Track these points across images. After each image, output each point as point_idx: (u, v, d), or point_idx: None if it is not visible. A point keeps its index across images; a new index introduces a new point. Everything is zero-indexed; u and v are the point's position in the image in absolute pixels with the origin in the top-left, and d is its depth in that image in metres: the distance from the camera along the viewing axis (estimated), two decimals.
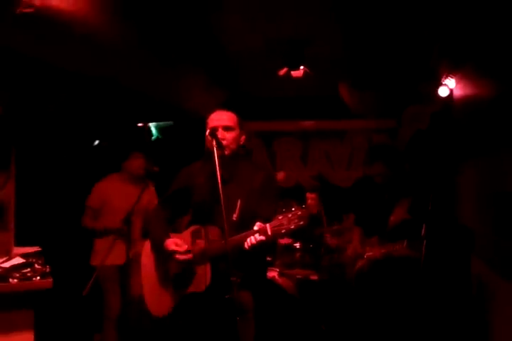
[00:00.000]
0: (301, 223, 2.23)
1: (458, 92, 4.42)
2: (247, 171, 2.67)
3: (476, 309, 3.76)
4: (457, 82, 4.35)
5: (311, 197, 5.27)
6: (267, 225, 2.29)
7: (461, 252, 4.02)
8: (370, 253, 4.02)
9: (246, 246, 2.33)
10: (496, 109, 3.36)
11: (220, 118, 2.64)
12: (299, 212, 2.24)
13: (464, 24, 3.52)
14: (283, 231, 2.25)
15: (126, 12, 3.43)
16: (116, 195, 4.27)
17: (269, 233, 2.27)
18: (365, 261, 4.04)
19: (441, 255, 4.00)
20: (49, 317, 3.40)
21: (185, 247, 2.54)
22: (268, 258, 4.43)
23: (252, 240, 2.30)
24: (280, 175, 5.50)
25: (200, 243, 2.56)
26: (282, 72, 4.61)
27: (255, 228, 2.32)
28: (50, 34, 3.42)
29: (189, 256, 2.54)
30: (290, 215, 2.25)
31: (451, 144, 4.54)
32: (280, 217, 2.27)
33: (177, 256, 2.54)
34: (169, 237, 2.63)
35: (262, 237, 2.29)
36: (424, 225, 3.65)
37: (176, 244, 2.56)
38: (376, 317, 3.91)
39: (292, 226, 2.24)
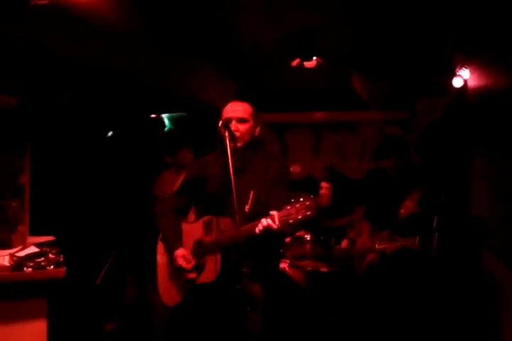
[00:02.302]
0: (309, 213, 2.22)
1: (472, 83, 4.37)
2: (260, 162, 2.66)
3: (487, 302, 3.74)
4: (471, 73, 4.30)
5: (325, 187, 5.24)
6: (275, 214, 2.29)
7: (473, 245, 3.99)
8: (381, 247, 4.02)
9: (257, 230, 2.33)
10: (510, 99, 3.32)
11: (234, 110, 2.63)
12: (307, 202, 2.23)
13: (478, 14, 3.47)
14: (290, 221, 2.25)
15: (140, 3, 3.44)
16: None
17: (277, 222, 2.28)
18: (375, 255, 4.04)
19: (452, 247, 3.98)
20: (62, 306, 3.45)
21: (192, 264, 2.58)
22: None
23: (263, 223, 2.31)
24: (296, 168, 5.49)
25: (212, 233, 2.58)
26: (295, 62, 4.59)
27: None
28: (64, 26, 3.44)
29: (193, 275, 2.58)
30: (298, 205, 2.24)
31: (465, 135, 4.49)
32: (288, 207, 2.27)
33: (183, 273, 2.61)
34: (181, 246, 2.66)
35: (272, 224, 2.29)
36: (435, 218, 3.64)
37: (185, 258, 2.60)
38: (386, 309, 3.92)
39: (300, 216, 2.23)
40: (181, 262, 2.59)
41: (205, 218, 2.65)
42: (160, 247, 2.86)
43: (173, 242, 2.70)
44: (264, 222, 2.30)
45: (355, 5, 3.64)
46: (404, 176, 4.04)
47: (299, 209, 2.24)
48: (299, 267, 4.50)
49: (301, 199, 2.25)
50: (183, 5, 3.59)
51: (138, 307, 4.28)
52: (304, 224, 4.73)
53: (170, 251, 2.70)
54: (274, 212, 2.31)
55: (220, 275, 2.49)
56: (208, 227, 2.61)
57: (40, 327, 2.45)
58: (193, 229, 2.69)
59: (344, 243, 4.80)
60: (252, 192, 2.54)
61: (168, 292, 2.75)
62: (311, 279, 4.44)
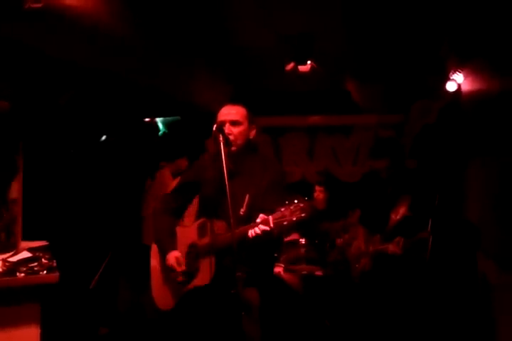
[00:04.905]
0: (303, 215, 2.23)
1: (466, 87, 4.39)
2: (256, 166, 2.66)
3: (482, 304, 3.74)
4: (465, 77, 4.32)
5: (319, 190, 5.26)
6: (270, 217, 2.30)
7: (468, 248, 4.00)
8: (376, 249, 4.03)
9: (250, 235, 2.34)
10: (503, 104, 3.33)
11: (228, 113, 2.64)
12: (301, 204, 2.24)
13: (472, 18, 3.49)
14: (285, 223, 2.26)
15: (135, 6, 3.43)
16: None
17: (271, 225, 2.28)
18: (368, 260, 4.05)
19: (447, 251, 3.99)
20: (55, 311, 3.43)
21: (183, 268, 2.58)
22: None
23: (256, 230, 2.32)
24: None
25: (206, 236, 2.57)
26: (289, 67, 4.59)
27: (258, 220, 2.34)
28: (58, 28, 3.43)
29: (181, 279, 2.58)
30: (292, 207, 2.25)
31: (459, 139, 4.51)
32: (282, 209, 2.28)
33: (172, 274, 2.60)
34: (175, 248, 2.66)
35: (266, 227, 2.29)
36: (430, 221, 3.65)
37: (177, 260, 2.60)
38: (381, 313, 3.92)
39: (294, 218, 2.24)
40: (172, 263, 2.59)
41: (199, 221, 2.65)
42: (154, 250, 2.85)
43: (167, 244, 2.70)
44: (257, 229, 2.31)
45: (350, 8, 3.65)
46: (397, 179, 4.05)
47: (293, 211, 2.25)
48: (293, 271, 4.50)
49: (296, 202, 2.26)
50: (180, 8, 3.59)
51: (132, 312, 4.26)
52: (298, 227, 4.74)
53: (163, 253, 2.69)
54: (267, 216, 2.31)
55: (214, 279, 2.49)
56: (202, 230, 2.61)
57: (33, 333, 2.43)
58: (187, 232, 2.69)
59: (339, 241, 4.81)
60: (247, 196, 2.54)
61: (161, 296, 2.75)
62: (306, 283, 4.43)
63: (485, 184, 3.90)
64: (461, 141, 4.44)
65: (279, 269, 4.45)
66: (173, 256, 2.61)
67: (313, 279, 4.48)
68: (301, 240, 4.75)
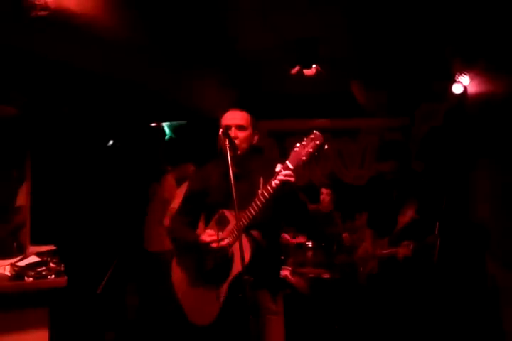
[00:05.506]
0: (317, 142, 2.21)
1: (472, 89, 4.38)
2: (261, 167, 2.65)
3: (490, 307, 3.72)
4: (471, 79, 4.31)
5: (325, 192, 5.27)
6: (286, 161, 2.29)
7: (476, 250, 3.98)
8: (384, 253, 4.02)
9: (274, 185, 2.31)
10: (510, 105, 3.33)
11: (234, 117, 2.64)
12: (312, 136, 2.23)
13: (477, 21, 3.49)
14: (303, 158, 2.24)
15: (141, 13, 3.46)
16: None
17: (292, 167, 2.27)
18: (375, 263, 4.03)
19: (455, 253, 3.97)
20: (63, 315, 3.44)
21: (217, 236, 2.50)
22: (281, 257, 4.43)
23: (278, 177, 2.29)
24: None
25: (229, 222, 2.52)
26: (294, 70, 4.60)
27: (277, 169, 2.32)
28: (65, 36, 3.45)
29: (225, 241, 2.48)
30: (304, 142, 2.24)
31: (465, 142, 4.50)
32: (296, 149, 2.26)
33: (214, 245, 2.49)
34: (199, 235, 2.60)
35: (288, 171, 2.28)
36: (437, 224, 3.64)
37: (210, 234, 2.53)
38: (388, 316, 3.90)
39: (310, 150, 2.22)
40: (209, 238, 2.50)
41: (214, 218, 2.60)
42: (175, 269, 2.78)
43: (192, 235, 2.63)
44: (280, 176, 2.28)
45: (355, 12, 3.66)
46: (404, 181, 4.04)
47: (306, 145, 2.23)
48: (301, 274, 4.49)
49: (305, 138, 2.24)
50: (184, 14, 3.61)
51: (138, 317, 4.26)
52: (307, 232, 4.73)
53: (193, 245, 2.60)
54: (285, 162, 2.28)
55: (253, 256, 2.39)
56: (221, 222, 2.56)
57: (42, 337, 2.44)
58: (208, 233, 2.65)
59: (347, 239, 4.80)
60: (261, 179, 2.49)
61: (196, 311, 2.64)
62: (313, 286, 4.43)
63: (492, 185, 3.88)
64: (468, 143, 4.43)
65: (286, 272, 4.45)
66: (207, 234, 2.53)
67: (321, 282, 4.47)
68: (308, 243, 4.75)
